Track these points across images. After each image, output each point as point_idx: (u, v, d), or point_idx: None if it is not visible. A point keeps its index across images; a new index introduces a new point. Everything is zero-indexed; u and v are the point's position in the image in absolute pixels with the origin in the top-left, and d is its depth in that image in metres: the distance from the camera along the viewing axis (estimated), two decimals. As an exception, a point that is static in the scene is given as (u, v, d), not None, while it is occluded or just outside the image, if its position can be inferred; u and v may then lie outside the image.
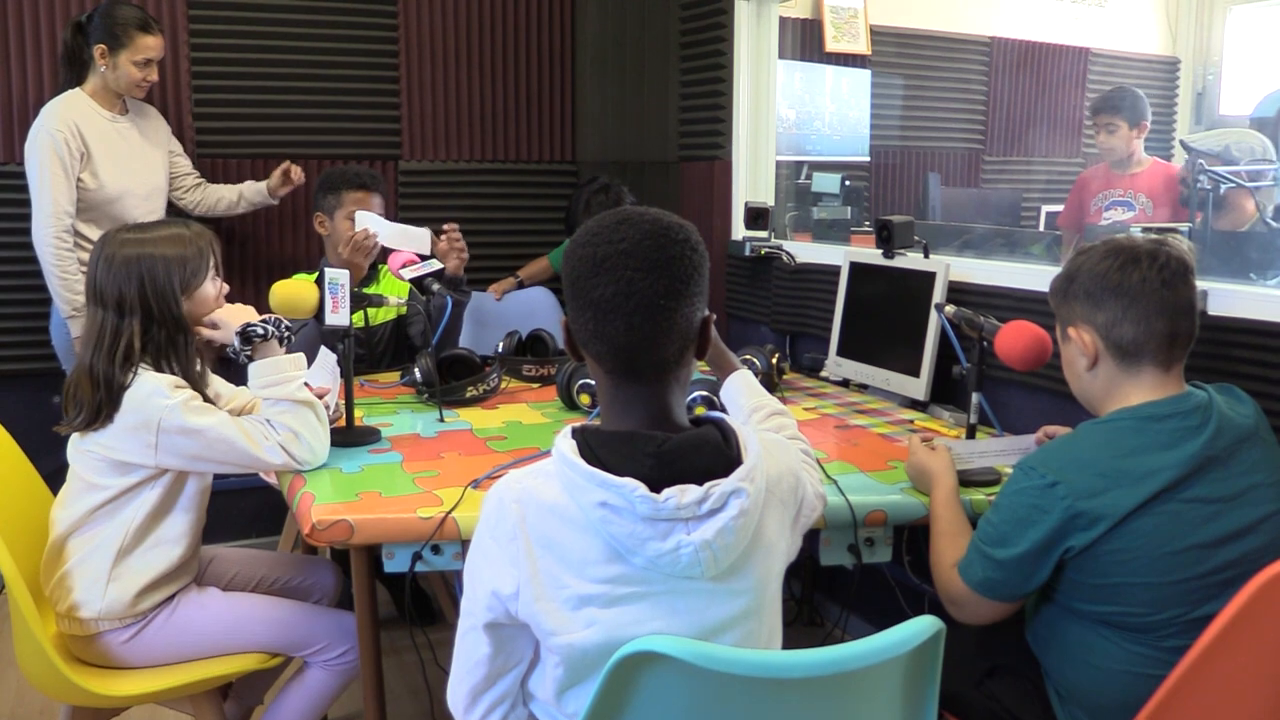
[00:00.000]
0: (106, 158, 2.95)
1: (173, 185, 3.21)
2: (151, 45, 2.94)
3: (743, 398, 1.68)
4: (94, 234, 2.95)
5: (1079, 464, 1.48)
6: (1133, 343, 1.51)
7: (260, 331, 1.90)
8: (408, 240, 2.74)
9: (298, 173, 3.27)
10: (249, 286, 3.47)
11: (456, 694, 1.27)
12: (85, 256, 2.93)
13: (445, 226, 2.81)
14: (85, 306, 1.88)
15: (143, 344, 1.82)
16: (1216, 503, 1.46)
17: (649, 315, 1.17)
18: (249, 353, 1.90)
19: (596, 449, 1.16)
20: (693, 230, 1.23)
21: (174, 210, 3.23)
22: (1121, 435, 1.49)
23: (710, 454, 1.18)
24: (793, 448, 1.37)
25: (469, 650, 1.24)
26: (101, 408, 1.78)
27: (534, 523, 1.16)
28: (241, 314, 1.93)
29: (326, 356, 2.25)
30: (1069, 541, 1.46)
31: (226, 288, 1.97)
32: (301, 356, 1.94)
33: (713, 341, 1.68)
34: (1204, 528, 1.44)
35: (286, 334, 1.95)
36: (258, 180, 3.31)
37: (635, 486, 1.11)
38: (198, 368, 1.91)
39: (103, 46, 2.90)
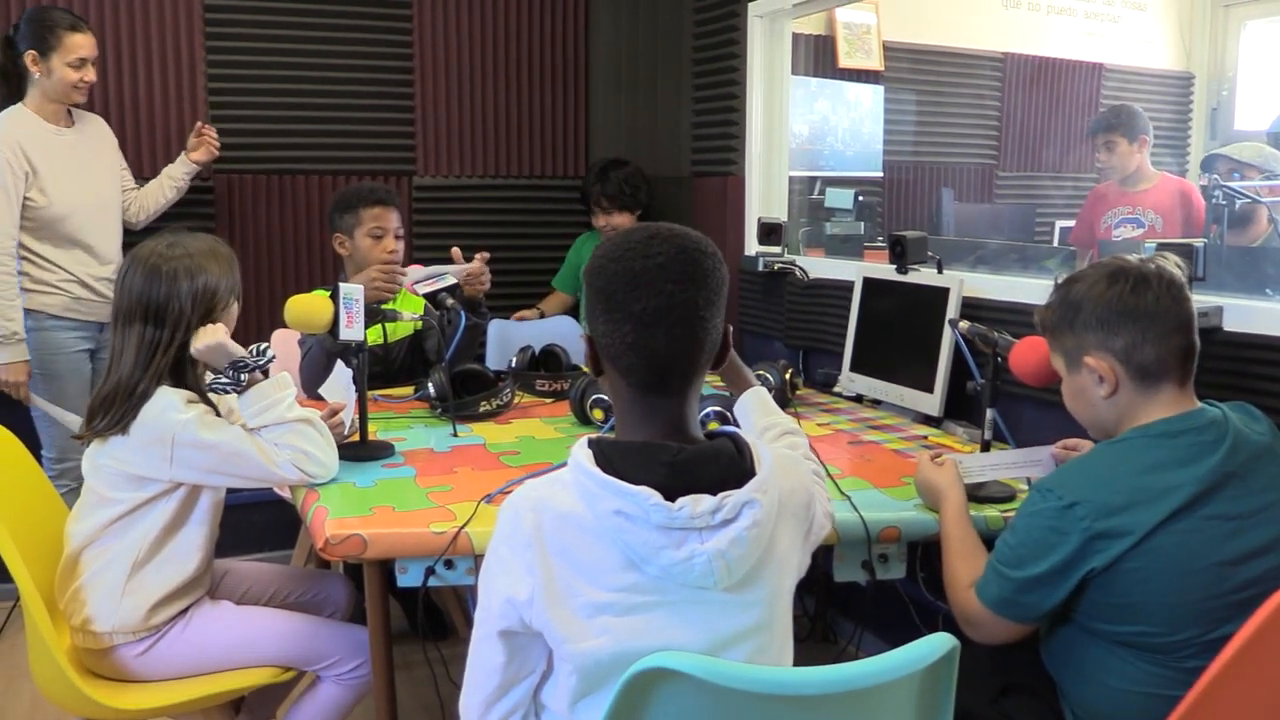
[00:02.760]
0: (54, 173, 2.89)
1: None
2: (82, 44, 2.86)
3: (755, 415, 1.68)
4: (46, 250, 2.90)
5: (1097, 483, 1.47)
6: (1155, 363, 1.50)
7: (223, 384, 1.83)
8: (443, 273, 2.75)
9: (210, 131, 3.22)
10: (264, 304, 3.49)
11: (469, 704, 1.27)
12: (36, 273, 2.89)
13: (478, 255, 2.79)
14: (118, 322, 1.86)
15: (179, 358, 1.82)
16: (1236, 519, 1.44)
17: (689, 326, 1.21)
18: (229, 387, 1.85)
19: (612, 458, 1.18)
20: (714, 245, 1.28)
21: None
22: (1138, 453, 1.48)
23: (724, 465, 1.20)
24: (804, 465, 1.37)
25: (482, 658, 1.24)
26: (124, 417, 1.79)
27: (550, 531, 1.17)
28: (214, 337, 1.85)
29: (342, 372, 2.25)
30: (1090, 563, 1.45)
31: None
32: (286, 375, 1.90)
33: (730, 357, 1.69)
34: (1224, 545, 1.43)
35: (259, 366, 1.86)
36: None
37: (650, 495, 1.13)
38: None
39: (33, 53, 2.84)
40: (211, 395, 1.91)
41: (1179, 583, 1.42)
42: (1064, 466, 1.58)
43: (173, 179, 3.22)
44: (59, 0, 3.16)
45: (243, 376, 1.84)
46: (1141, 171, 3.49)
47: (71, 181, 2.93)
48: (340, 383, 2.23)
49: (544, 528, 1.17)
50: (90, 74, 2.91)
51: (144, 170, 3.30)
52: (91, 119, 3.11)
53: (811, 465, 1.53)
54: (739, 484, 1.18)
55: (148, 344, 1.82)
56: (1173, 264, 1.56)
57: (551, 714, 1.26)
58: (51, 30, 2.84)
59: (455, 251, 2.78)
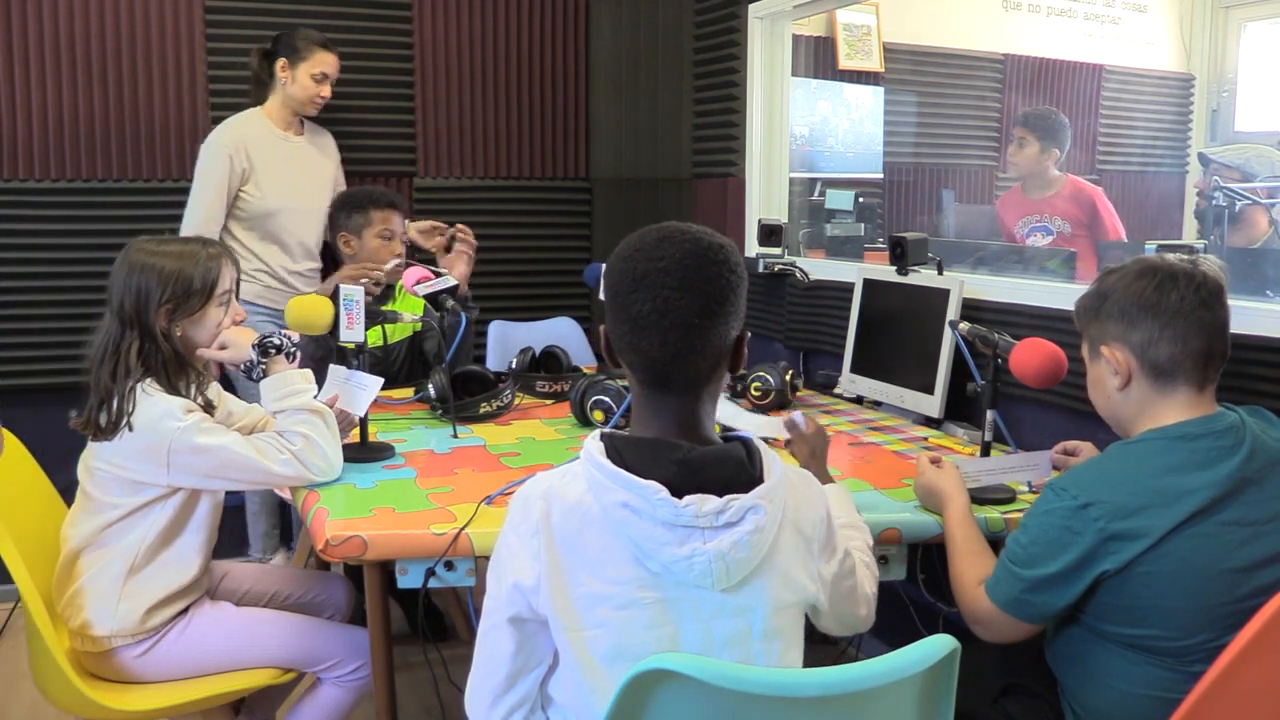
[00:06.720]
0: (271, 173, 3.14)
1: None
2: (328, 61, 3.17)
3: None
4: (248, 240, 3.16)
5: (1112, 484, 1.46)
6: (1169, 361, 1.48)
7: (277, 343, 1.93)
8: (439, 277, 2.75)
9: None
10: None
11: (476, 696, 1.28)
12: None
13: (458, 226, 2.80)
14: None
15: (140, 359, 1.83)
16: (1251, 526, 1.43)
17: (683, 333, 1.20)
18: (264, 367, 1.91)
19: (623, 452, 1.19)
20: (732, 250, 1.25)
21: None
22: (1154, 455, 1.47)
23: (733, 469, 1.20)
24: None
25: (491, 648, 1.25)
26: (103, 423, 1.79)
27: (557, 520, 1.19)
28: (247, 336, 1.94)
29: (337, 370, 2.25)
30: (1103, 565, 1.43)
31: (243, 314, 1.98)
32: (310, 371, 1.96)
33: (812, 450, 1.73)
34: (1238, 551, 1.42)
35: (294, 349, 1.97)
36: None
37: (658, 490, 1.14)
38: (207, 389, 1.92)
39: (284, 60, 3.15)
40: (211, 397, 1.92)
41: (1191, 588, 1.41)
42: (1079, 466, 1.56)
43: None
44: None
45: (264, 357, 1.92)
46: (1045, 177, 3.50)
47: (287, 184, 3.19)
48: (335, 379, 2.20)
49: (552, 516, 1.19)
50: (327, 91, 3.20)
51: (144, 172, 3.31)
52: (321, 133, 3.36)
53: (860, 555, 1.47)
54: (746, 488, 1.18)
55: (113, 341, 1.84)
56: (1215, 268, 1.53)
57: (558, 707, 1.26)
58: (306, 43, 3.16)
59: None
